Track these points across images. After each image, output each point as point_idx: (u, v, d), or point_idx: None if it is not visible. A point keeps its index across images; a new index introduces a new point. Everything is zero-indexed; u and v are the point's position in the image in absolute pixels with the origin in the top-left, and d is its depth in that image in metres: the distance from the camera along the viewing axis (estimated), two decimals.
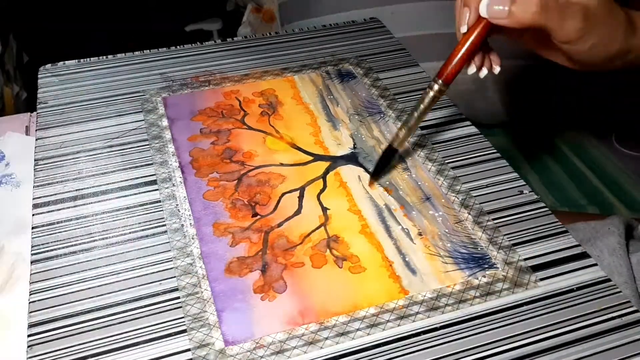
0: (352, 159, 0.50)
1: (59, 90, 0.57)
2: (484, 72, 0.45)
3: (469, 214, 0.44)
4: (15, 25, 1.44)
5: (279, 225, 0.43)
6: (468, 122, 0.53)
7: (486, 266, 0.40)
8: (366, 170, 0.48)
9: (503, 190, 0.46)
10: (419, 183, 0.47)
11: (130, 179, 0.47)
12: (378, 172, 0.48)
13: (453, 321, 0.37)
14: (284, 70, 0.61)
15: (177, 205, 0.45)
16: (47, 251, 0.41)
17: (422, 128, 0.52)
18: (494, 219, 0.44)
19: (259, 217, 0.44)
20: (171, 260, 0.40)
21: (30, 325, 0.36)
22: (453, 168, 0.48)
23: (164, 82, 0.58)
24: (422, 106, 0.44)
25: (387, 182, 0.47)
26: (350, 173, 0.48)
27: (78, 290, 0.38)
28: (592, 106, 0.99)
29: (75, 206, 0.45)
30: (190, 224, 0.43)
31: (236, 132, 0.52)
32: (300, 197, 0.46)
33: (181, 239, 0.42)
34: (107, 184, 0.47)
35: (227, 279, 0.39)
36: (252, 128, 0.53)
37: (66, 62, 0.61)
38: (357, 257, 0.41)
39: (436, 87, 0.43)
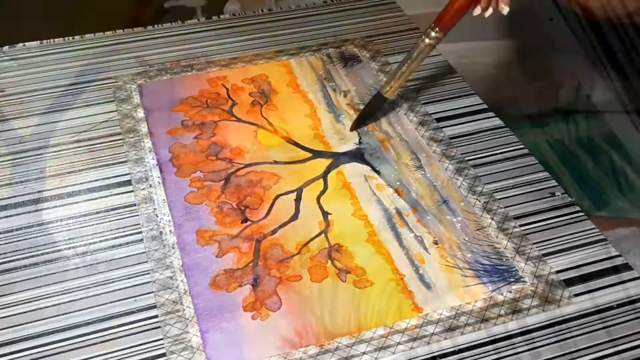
0: (357, 155, 0.50)
1: (18, 76, 0.57)
2: (489, 11, 0.48)
3: (492, 219, 0.44)
4: None
5: (273, 232, 0.43)
6: (492, 114, 0.53)
7: (512, 280, 0.40)
8: (373, 168, 0.48)
9: (532, 192, 0.46)
10: (435, 183, 0.47)
11: (101, 179, 0.47)
12: (362, 121, 0.52)
13: (474, 343, 0.37)
14: (279, 53, 0.61)
15: (154, 209, 0.45)
16: (5, 262, 0.41)
17: (438, 120, 0.52)
18: (521, 225, 0.44)
19: (249, 223, 0.44)
20: (148, 273, 0.40)
21: None
22: (474, 166, 0.48)
23: (139, 66, 0.58)
24: (414, 54, 0.48)
25: (398, 183, 0.47)
26: (355, 172, 0.48)
27: (41, 308, 0.38)
28: (631, 95, 0.99)
29: (37, 210, 0.45)
30: (170, 231, 0.43)
31: (223, 124, 0.52)
32: (297, 200, 0.46)
33: (160, 248, 0.42)
34: (74, 184, 0.47)
35: (212, 295, 0.39)
36: (242, 120, 0.53)
37: (26, 43, 0.61)
38: (362, 269, 0.41)
39: (433, 34, 0.47)
